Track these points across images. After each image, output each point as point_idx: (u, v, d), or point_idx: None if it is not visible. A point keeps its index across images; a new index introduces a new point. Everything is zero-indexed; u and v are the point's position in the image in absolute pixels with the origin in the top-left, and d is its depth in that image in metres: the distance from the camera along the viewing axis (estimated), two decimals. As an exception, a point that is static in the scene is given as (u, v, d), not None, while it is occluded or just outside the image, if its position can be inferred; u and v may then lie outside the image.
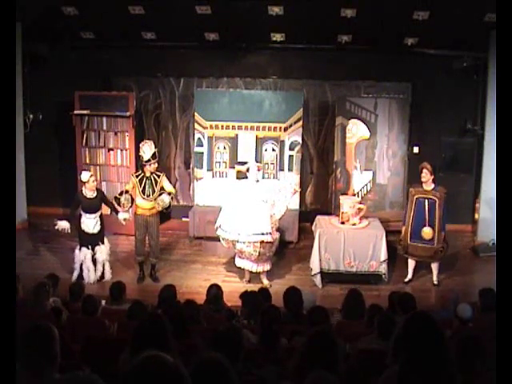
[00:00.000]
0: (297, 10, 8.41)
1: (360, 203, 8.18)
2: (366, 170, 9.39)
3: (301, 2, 8.27)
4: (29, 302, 5.18)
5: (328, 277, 7.68)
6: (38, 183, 9.88)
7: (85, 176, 7.49)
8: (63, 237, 8.59)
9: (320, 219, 8.24)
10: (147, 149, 7.44)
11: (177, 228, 9.77)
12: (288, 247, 8.94)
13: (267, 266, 7.60)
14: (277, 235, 7.56)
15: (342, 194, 8.77)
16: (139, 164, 9.31)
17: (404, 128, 9.41)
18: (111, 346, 3.95)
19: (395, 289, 6.82)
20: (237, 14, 8.50)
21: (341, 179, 9.42)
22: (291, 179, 8.94)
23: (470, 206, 9.73)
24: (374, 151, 9.41)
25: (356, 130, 9.34)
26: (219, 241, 7.80)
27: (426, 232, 7.44)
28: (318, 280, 7.60)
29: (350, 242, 7.65)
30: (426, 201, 7.41)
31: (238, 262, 7.62)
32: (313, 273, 7.64)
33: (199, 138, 9.47)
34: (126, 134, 9.33)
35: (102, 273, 7.63)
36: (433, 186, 7.47)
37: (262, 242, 7.29)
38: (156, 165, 7.54)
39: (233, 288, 7.23)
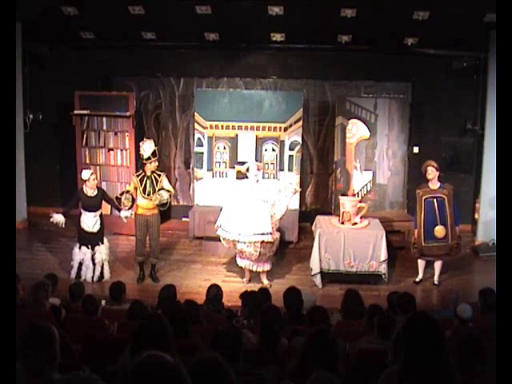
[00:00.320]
0: (297, 10, 8.42)
1: (360, 202, 8.19)
2: (366, 170, 9.39)
3: (301, 2, 8.27)
4: (28, 302, 5.18)
5: (328, 277, 7.68)
6: (38, 183, 9.88)
7: (85, 174, 7.49)
8: (63, 237, 8.62)
9: (320, 219, 8.24)
10: (147, 147, 7.45)
11: (177, 228, 9.77)
12: (288, 247, 8.94)
13: (267, 266, 7.60)
14: (277, 235, 7.56)
15: (342, 195, 8.77)
16: (139, 164, 9.32)
17: (404, 128, 9.42)
18: (111, 346, 3.95)
19: (395, 289, 6.82)
20: (237, 13, 8.50)
21: (341, 179, 9.42)
22: (291, 179, 8.94)
23: (470, 206, 9.72)
24: (374, 151, 9.41)
25: (356, 130, 9.34)
26: (219, 241, 7.80)
27: (439, 230, 7.42)
28: (318, 280, 7.60)
29: (350, 242, 7.65)
30: (435, 200, 7.41)
31: (239, 262, 7.62)
32: (313, 273, 7.64)
33: (199, 138, 9.47)
34: (126, 133, 9.34)
35: (101, 273, 7.62)
36: (439, 184, 7.47)
37: (262, 242, 7.28)
38: (156, 163, 7.55)
39: (233, 288, 7.23)
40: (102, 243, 7.62)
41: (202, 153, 9.50)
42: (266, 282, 7.59)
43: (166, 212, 9.39)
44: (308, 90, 9.88)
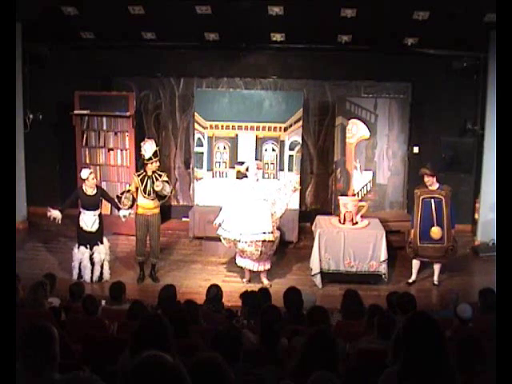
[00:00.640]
0: (297, 10, 8.41)
1: (360, 201, 8.21)
2: (366, 169, 9.39)
3: (301, 2, 8.27)
4: (27, 302, 5.18)
5: (328, 277, 7.68)
6: (37, 183, 9.88)
7: (84, 173, 7.50)
8: (63, 237, 8.62)
9: (320, 219, 8.24)
10: (148, 147, 7.45)
11: (177, 228, 9.77)
12: (288, 247, 8.94)
13: (267, 265, 7.62)
14: (277, 234, 7.58)
15: (342, 195, 8.77)
16: (139, 164, 9.32)
17: (404, 128, 9.41)
18: (111, 346, 3.95)
19: (395, 289, 6.82)
20: (237, 13, 8.50)
21: (341, 179, 9.42)
22: (291, 177, 8.95)
23: (470, 206, 9.72)
24: (374, 151, 9.40)
25: (356, 130, 9.34)
26: (219, 241, 7.80)
27: (435, 231, 7.42)
28: (318, 280, 7.60)
29: (350, 242, 7.65)
30: (433, 200, 7.41)
31: (239, 262, 7.63)
32: (313, 273, 7.64)
33: (199, 138, 9.47)
34: (126, 134, 9.33)
35: (101, 273, 7.61)
36: (437, 185, 7.47)
37: (263, 241, 7.30)
38: (158, 163, 7.56)
39: (233, 288, 7.24)
40: (102, 243, 7.61)
41: (202, 153, 9.50)
42: (265, 281, 7.59)
43: (166, 212, 9.43)
44: (308, 90, 9.88)
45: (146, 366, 1.98)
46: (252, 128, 9.36)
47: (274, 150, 9.38)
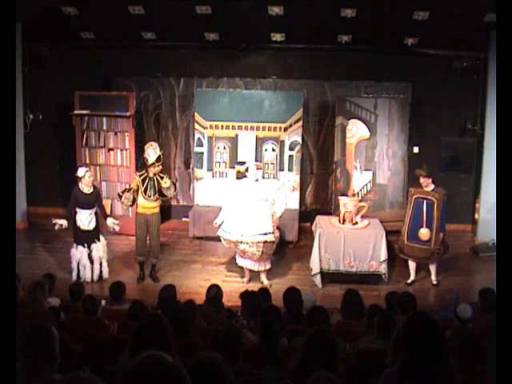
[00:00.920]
0: (297, 10, 8.41)
1: (360, 201, 8.22)
2: (366, 169, 9.39)
3: (301, 2, 8.27)
4: (26, 302, 5.18)
5: (328, 277, 7.68)
6: (38, 183, 9.88)
7: (81, 171, 7.51)
8: (63, 237, 8.61)
9: (320, 219, 8.24)
10: (152, 152, 7.44)
11: (177, 228, 9.77)
12: (288, 247, 8.94)
13: (268, 265, 7.62)
14: (277, 233, 7.59)
15: (342, 195, 8.77)
16: (139, 163, 9.32)
17: (404, 128, 9.41)
18: (111, 346, 3.95)
19: (395, 289, 6.80)
20: (237, 13, 8.50)
21: (341, 179, 9.42)
22: (289, 177, 8.96)
23: (470, 206, 9.73)
24: (374, 151, 9.40)
25: (356, 130, 9.34)
26: (219, 241, 7.80)
27: (423, 233, 7.43)
28: (318, 280, 7.60)
29: (350, 242, 7.65)
30: (425, 201, 7.41)
31: (240, 262, 7.63)
32: (313, 273, 7.64)
33: (199, 138, 9.47)
34: (126, 133, 9.33)
35: (100, 271, 7.60)
36: (432, 187, 7.47)
37: (265, 241, 7.31)
38: (160, 167, 7.57)
39: (233, 288, 7.23)
40: (99, 241, 7.61)
41: (202, 153, 9.50)
42: (266, 281, 7.59)
43: (165, 212, 9.43)
44: (308, 90, 9.88)
45: (146, 365, 1.98)
46: (252, 128, 9.36)
47: (274, 149, 9.38)
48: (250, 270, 7.64)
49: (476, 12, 8.15)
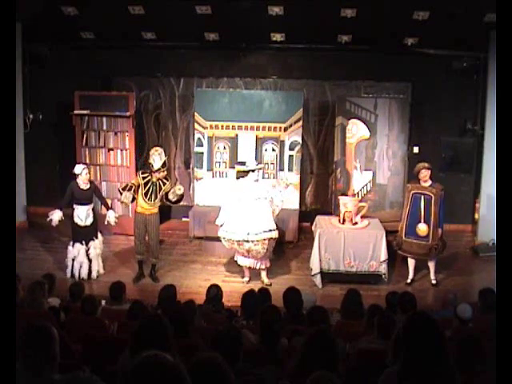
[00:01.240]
0: (297, 10, 8.41)
1: (360, 201, 8.22)
2: (366, 169, 9.38)
3: (301, 2, 8.27)
4: (25, 302, 5.18)
5: (328, 277, 7.68)
6: (38, 183, 9.88)
7: (78, 169, 7.57)
8: (63, 237, 8.61)
9: (320, 219, 8.24)
10: (157, 158, 7.44)
11: (177, 228, 9.77)
12: (288, 247, 8.94)
13: (268, 263, 7.68)
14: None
15: (342, 195, 8.77)
16: (139, 164, 9.33)
17: (404, 128, 9.40)
18: (111, 345, 3.95)
19: (395, 289, 6.80)
20: (237, 13, 8.50)
21: (341, 179, 9.41)
22: (282, 174, 9.03)
23: (470, 206, 9.73)
24: (374, 151, 9.40)
25: (356, 130, 9.33)
26: (219, 241, 7.80)
27: (421, 229, 7.44)
28: (318, 280, 7.61)
29: (350, 242, 7.65)
30: (422, 197, 7.42)
31: (242, 261, 7.63)
32: (313, 273, 7.64)
33: (199, 138, 9.47)
34: (126, 133, 9.33)
35: (96, 268, 7.68)
36: (430, 182, 7.48)
37: (270, 238, 7.39)
38: (165, 173, 7.58)
39: (233, 288, 7.24)
40: (97, 238, 7.66)
41: (202, 153, 9.50)
42: (266, 280, 7.62)
43: (166, 212, 9.43)
44: (308, 90, 9.87)
45: (146, 365, 1.98)
46: (252, 128, 9.36)
47: (274, 149, 9.38)
48: (250, 268, 7.65)
49: (476, 12, 8.15)
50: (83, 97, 9.29)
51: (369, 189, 9.41)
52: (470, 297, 6.45)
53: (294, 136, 9.33)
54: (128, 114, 9.20)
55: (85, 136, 9.44)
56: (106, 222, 7.77)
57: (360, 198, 9.07)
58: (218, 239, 7.83)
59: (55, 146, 10.16)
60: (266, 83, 9.94)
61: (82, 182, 7.53)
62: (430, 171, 7.45)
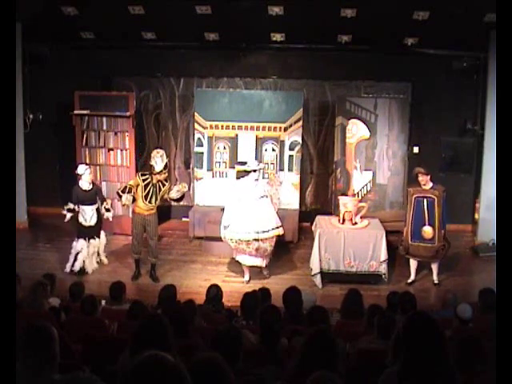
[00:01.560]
0: (297, 10, 8.42)
1: (360, 201, 8.22)
2: (366, 169, 9.39)
3: (301, 2, 8.27)
4: (26, 302, 5.18)
5: (328, 277, 7.69)
6: (38, 183, 9.88)
7: (81, 169, 7.70)
8: (63, 236, 8.63)
9: (320, 219, 8.24)
10: (159, 160, 7.47)
11: (177, 228, 9.77)
12: (288, 247, 8.94)
13: (268, 259, 7.82)
14: None
15: (342, 195, 8.77)
16: (139, 164, 9.33)
17: (404, 128, 9.41)
18: (111, 346, 3.95)
19: (395, 289, 6.81)
20: (237, 13, 8.50)
21: (341, 179, 9.41)
22: (276, 173, 9.13)
23: (470, 206, 9.73)
24: (374, 151, 9.40)
25: (356, 130, 9.34)
26: (219, 241, 7.83)
27: (426, 231, 7.44)
28: (318, 280, 7.61)
29: (350, 241, 7.65)
30: (425, 200, 7.42)
31: (248, 261, 7.65)
32: (313, 273, 7.65)
33: (199, 138, 9.47)
34: (126, 133, 9.33)
35: (84, 265, 7.81)
36: (431, 184, 7.48)
37: (277, 235, 7.55)
38: (166, 174, 7.60)
39: (233, 288, 7.24)
40: (98, 237, 7.83)
41: (202, 153, 9.50)
42: (265, 272, 7.80)
43: (166, 212, 9.44)
44: (308, 90, 9.87)
45: (146, 365, 1.98)
46: (252, 128, 9.36)
47: (274, 149, 9.38)
48: (252, 267, 7.67)
49: (476, 12, 8.15)
50: (83, 97, 9.30)
51: (369, 189, 9.42)
52: (470, 297, 6.45)
53: (294, 136, 9.33)
54: (128, 113, 9.20)
55: (85, 136, 9.44)
56: (107, 218, 7.92)
57: (360, 198, 9.07)
58: (217, 239, 7.85)
59: (55, 146, 10.17)
60: (266, 83, 9.94)
61: (85, 182, 7.64)
62: (427, 176, 7.42)
